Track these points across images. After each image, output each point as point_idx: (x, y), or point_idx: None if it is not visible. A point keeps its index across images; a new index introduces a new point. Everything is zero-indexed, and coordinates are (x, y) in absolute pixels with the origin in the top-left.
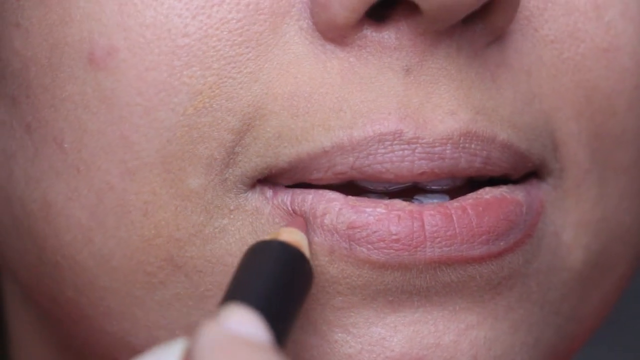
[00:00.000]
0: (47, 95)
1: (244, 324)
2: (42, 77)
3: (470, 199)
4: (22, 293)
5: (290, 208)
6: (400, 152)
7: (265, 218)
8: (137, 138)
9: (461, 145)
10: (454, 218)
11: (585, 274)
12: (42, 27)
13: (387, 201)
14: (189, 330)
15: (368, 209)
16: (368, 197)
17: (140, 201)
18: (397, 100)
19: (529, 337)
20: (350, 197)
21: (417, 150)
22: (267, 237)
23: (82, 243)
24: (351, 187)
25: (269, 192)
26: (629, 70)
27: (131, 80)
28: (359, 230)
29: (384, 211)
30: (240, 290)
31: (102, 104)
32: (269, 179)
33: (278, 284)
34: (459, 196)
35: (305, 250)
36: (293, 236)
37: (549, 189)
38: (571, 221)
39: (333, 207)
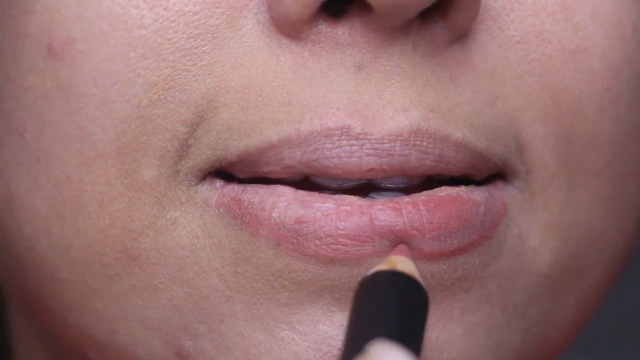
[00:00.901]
0: (11, 85)
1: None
2: (6, 67)
3: (423, 195)
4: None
5: (237, 199)
6: (348, 147)
7: (213, 210)
8: (93, 129)
9: (412, 142)
10: (404, 213)
11: (554, 277)
12: (6, 19)
13: (336, 196)
14: (147, 323)
15: (316, 204)
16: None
17: (96, 192)
18: (347, 96)
19: (487, 340)
20: (300, 191)
21: (365, 146)
22: (383, 267)
23: (42, 234)
24: (305, 183)
25: (218, 183)
26: (600, 72)
27: (87, 71)
28: (306, 225)
29: (332, 206)
30: (377, 326)
31: (60, 94)
32: (221, 172)
33: (409, 318)
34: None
35: (420, 279)
36: (408, 267)
37: (514, 191)
38: (538, 225)
39: (282, 201)
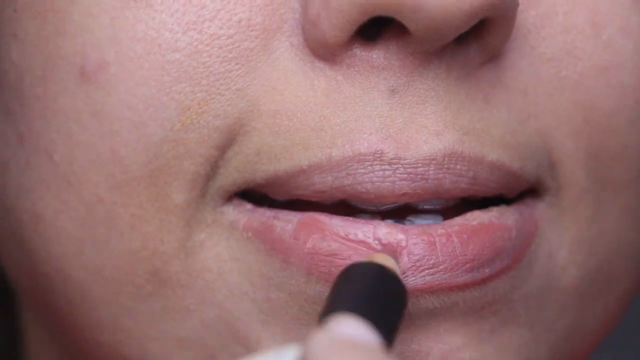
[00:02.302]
0: (40, 106)
1: (353, 328)
2: (36, 88)
3: (456, 225)
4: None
5: (268, 225)
6: (381, 172)
7: (240, 233)
8: (126, 152)
9: (445, 166)
10: (438, 246)
11: (581, 290)
12: (38, 39)
13: (371, 226)
14: (181, 342)
15: (350, 236)
16: (357, 216)
17: (127, 214)
18: (380, 120)
19: (517, 357)
20: (334, 219)
21: (398, 171)
22: (362, 260)
23: (72, 255)
24: (340, 205)
25: (248, 206)
26: (630, 86)
27: (121, 94)
28: (339, 257)
29: (367, 239)
30: (341, 303)
31: (93, 117)
32: (250, 193)
33: (377, 299)
34: (452, 215)
35: (398, 271)
36: (387, 261)
37: (544, 207)
38: (567, 240)
39: (315, 231)
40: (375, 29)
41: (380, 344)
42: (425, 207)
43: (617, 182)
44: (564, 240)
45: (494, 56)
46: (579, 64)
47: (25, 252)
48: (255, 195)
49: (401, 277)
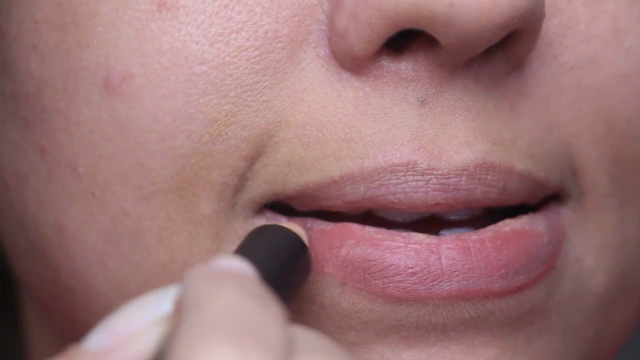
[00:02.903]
0: (62, 119)
1: (232, 262)
2: (58, 100)
3: (489, 231)
4: (39, 312)
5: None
6: (414, 182)
7: None
8: (153, 164)
9: (477, 176)
10: (472, 252)
11: (607, 298)
12: (59, 51)
13: (404, 234)
14: None
15: (385, 242)
16: (387, 228)
17: (155, 227)
18: (411, 132)
19: None
20: (367, 228)
21: (431, 182)
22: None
23: (96, 268)
24: (369, 217)
25: (282, 220)
26: None
27: (147, 107)
28: (374, 263)
29: (401, 245)
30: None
31: (118, 129)
32: (280, 205)
33: (274, 256)
34: (478, 226)
35: (305, 239)
36: (295, 227)
37: (569, 212)
38: (593, 245)
39: (349, 239)
40: (403, 40)
41: (255, 275)
42: (452, 217)
43: (638, 188)
44: (589, 246)
45: (518, 66)
46: (600, 72)
47: (47, 265)
48: (282, 207)
49: (307, 244)
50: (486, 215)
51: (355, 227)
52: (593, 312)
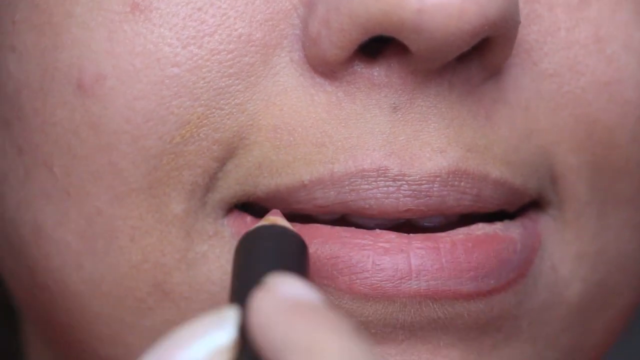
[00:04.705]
0: (38, 119)
1: (296, 288)
2: (34, 100)
3: (461, 234)
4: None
5: None
6: (385, 188)
7: None
8: (125, 165)
9: (450, 183)
10: (442, 252)
11: (583, 306)
12: (35, 51)
13: (374, 232)
14: None
15: (354, 240)
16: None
17: (127, 226)
18: (383, 137)
19: None
20: (337, 228)
21: (402, 188)
22: (260, 224)
23: (72, 268)
24: (342, 222)
25: (248, 218)
26: (633, 102)
27: (119, 108)
28: (342, 259)
29: (370, 243)
30: (266, 264)
31: (91, 130)
32: (251, 206)
33: (292, 259)
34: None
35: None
36: (285, 222)
37: (548, 219)
38: (570, 253)
39: (318, 236)
40: (376, 46)
41: (323, 301)
42: (426, 224)
43: (620, 196)
44: (567, 255)
45: (495, 73)
46: (581, 79)
47: (25, 265)
48: (256, 208)
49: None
50: (460, 221)
51: (324, 227)
52: (568, 320)
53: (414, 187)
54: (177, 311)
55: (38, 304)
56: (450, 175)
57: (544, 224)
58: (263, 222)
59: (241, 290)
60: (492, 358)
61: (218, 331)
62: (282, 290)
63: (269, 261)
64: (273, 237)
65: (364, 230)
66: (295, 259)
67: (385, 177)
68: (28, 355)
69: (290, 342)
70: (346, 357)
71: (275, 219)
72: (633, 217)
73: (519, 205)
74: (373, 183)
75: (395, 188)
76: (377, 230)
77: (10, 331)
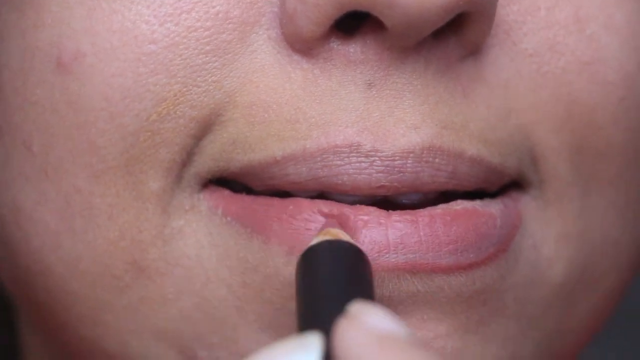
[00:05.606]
0: (18, 99)
1: (384, 320)
2: (14, 80)
3: (439, 209)
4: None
5: (249, 208)
6: (358, 164)
7: (220, 219)
8: (103, 142)
9: (424, 159)
10: (420, 226)
11: (567, 288)
12: (16, 32)
13: (353, 207)
14: (159, 334)
15: (333, 213)
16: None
17: (105, 204)
18: (357, 114)
19: (502, 350)
20: (316, 201)
21: (375, 163)
22: (326, 238)
23: (51, 248)
24: (320, 198)
25: (226, 192)
26: (613, 83)
27: (97, 85)
28: (320, 230)
29: (349, 216)
30: (342, 287)
31: (69, 108)
32: (229, 181)
33: (367, 280)
34: None
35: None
36: (346, 236)
37: (529, 200)
38: (552, 234)
39: (298, 210)
40: (353, 23)
41: (409, 334)
42: (405, 201)
43: (602, 178)
44: (549, 234)
45: (474, 51)
46: (561, 59)
47: (7, 247)
48: (233, 183)
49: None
50: (440, 200)
51: (304, 200)
52: (552, 301)
53: (386, 163)
54: (153, 288)
55: (22, 286)
56: (424, 152)
57: (525, 203)
58: (325, 236)
59: (318, 315)
60: (479, 334)
61: (302, 356)
62: (368, 321)
63: (342, 282)
64: (342, 255)
65: (344, 205)
66: (365, 278)
67: (357, 153)
68: (23, 345)
69: None
70: None
71: (338, 232)
72: (616, 200)
73: (499, 185)
74: (345, 159)
75: (368, 164)
76: (358, 205)
77: (5, 323)
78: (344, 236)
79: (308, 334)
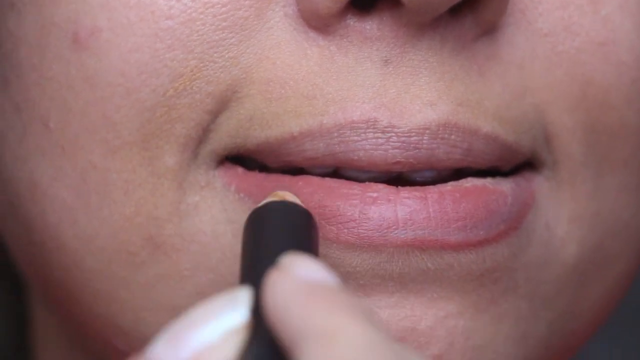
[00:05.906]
0: (35, 75)
1: (314, 270)
2: (31, 57)
3: (449, 185)
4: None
5: (260, 185)
6: (374, 140)
7: (233, 195)
8: (119, 118)
9: (440, 135)
10: (429, 202)
11: (580, 269)
12: (33, 8)
13: (363, 184)
14: (174, 311)
15: (342, 190)
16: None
17: (121, 180)
18: (373, 90)
19: (514, 330)
20: (326, 179)
21: (391, 139)
22: (268, 199)
23: (67, 224)
24: (333, 176)
25: (240, 169)
26: (627, 64)
27: (113, 61)
28: (329, 209)
29: (357, 192)
30: (279, 242)
31: (86, 83)
32: (243, 158)
33: (305, 236)
34: None
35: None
36: (294, 198)
37: (542, 180)
38: (565, 214)
39: (307, 187)
40: (368, 0)
41: (339, 283)
42: (417, 178)
43: (615, 158)
44: (562, 215)
45: (489, 30)
46: (576, 39)
47: (22, 222)
48: (248, 161)
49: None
50: (452, 177)
51: (314, 178)
52: (565, 282)
53: (403, 138)
54: (169, 264)
55: (36, 263)
56: (440, 128)
57: (539, 183)
58: (271, 197)
59: (254, 270)
60: (489, 313)
61: (231, 312)
62: (298, 272)
63: (281, 239)
64: (283, 213)
65: (353, 182)
66: (307, 237)
67: (374, 128)
68: (37, 326)
69: (308, 326)
70: (363, 342)
71: (284, 194)
72: (630, 181)
73: (512, 164)
74: (362, 134)
75: (385, 140)
76: (367, 183)
77: (16, 300)
78: (290, 197)
79: (237, 289)
